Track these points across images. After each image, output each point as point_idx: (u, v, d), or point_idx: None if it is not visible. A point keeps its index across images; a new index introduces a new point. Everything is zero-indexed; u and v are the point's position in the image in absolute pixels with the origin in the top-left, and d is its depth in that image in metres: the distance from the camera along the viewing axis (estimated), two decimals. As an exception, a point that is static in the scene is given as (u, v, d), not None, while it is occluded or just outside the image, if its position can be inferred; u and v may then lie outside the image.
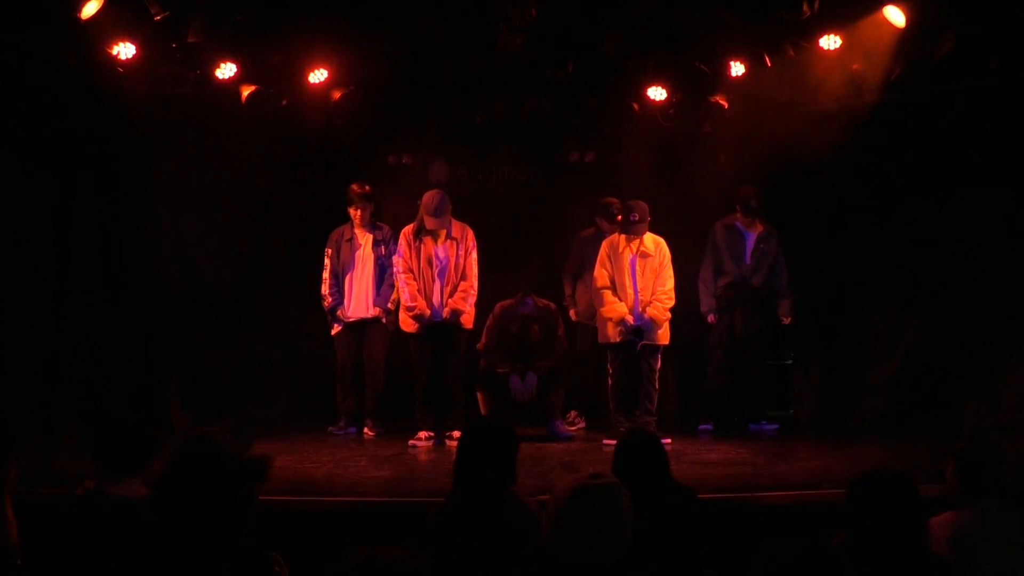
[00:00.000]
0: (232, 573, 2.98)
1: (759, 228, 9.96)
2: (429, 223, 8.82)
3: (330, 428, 9.54)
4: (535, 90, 9.75)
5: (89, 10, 7.81)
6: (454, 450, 4.62)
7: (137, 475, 4.48)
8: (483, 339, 9.24)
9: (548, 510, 3.30)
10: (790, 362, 10.82)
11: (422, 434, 8.88)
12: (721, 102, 9.45)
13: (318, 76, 8.91)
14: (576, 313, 9.98)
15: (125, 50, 8.27)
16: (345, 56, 8.81)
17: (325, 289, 9.57)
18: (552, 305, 9.34)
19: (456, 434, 8.51)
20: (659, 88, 9.35)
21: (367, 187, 9.56)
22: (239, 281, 10.68)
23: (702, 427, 9.81)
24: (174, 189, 10.29)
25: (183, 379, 10.25)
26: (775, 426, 9.87)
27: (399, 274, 8.97)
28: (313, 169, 10.72)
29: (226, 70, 8.75)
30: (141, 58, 8.40)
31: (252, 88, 8.98)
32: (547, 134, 10.65)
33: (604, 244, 9.16)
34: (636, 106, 9.78)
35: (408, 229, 8.99)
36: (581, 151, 10.85)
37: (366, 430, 9.50)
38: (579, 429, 9.79)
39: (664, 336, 9.06)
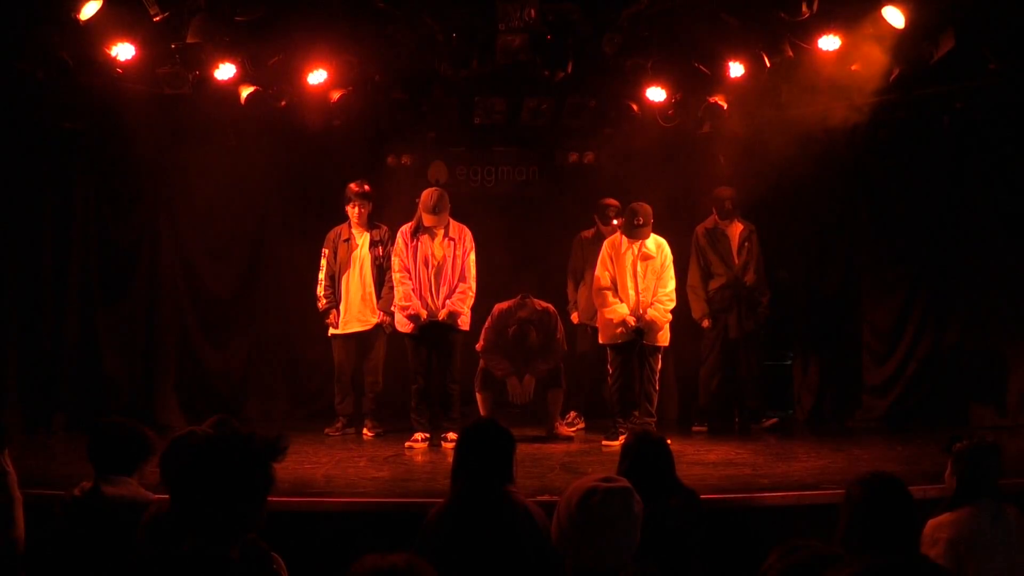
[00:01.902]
0: (235, 568, 2.99)
1: (739, 227, 9.95)
2: (427, 220, 8.81)
3: (327, 430, 9.51)
4: (534, 91, 9.74)
5: (88, 11, 7.81)
6: (451, 451, 4.62)
7: (133, 475, 4.49)
8: (481, 340, 9.23)
9: (558, 511, 3.29)
10: (790, 362, 10.82)
11: (418, 435, 8.87)
12: (720, 102, 9.44)
13: (317, 77, 8.90)
14: (577, 315, 9.96)
15: (124, 51, 8.26)
16: (344, 57, 8.80)
17: (320, 291, 9.53)
18: (551, 307, 9.30)
19: (452, 436, 8.50)
20: (658, 89, 9.35)
21: (366, 186, 9.53)
22: (238, 282, 10.69)
23: (696, 428, 9.82)
24: (173, 189, 10.31)
25: (182, 380, 10.27)
26: (776, 426, 9.84)
27: (395, 272, 8.95)
28: (312, 170, 10.72)
29: (225, 71, 8.73)
30: (140, 59, 8.39)
31: (251, 89, 8.97)
32: (546, 135, 10.65)
33: (606, 244, 9.16)
34: (635, 107, 9.77)
35: (406, 227, 8.97)
36: (580, 152, 10.84)
37: (365, 431, 9.48)
38: (578, 430, 9.77)
39: (664, 337, 9.05)
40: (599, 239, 9.58)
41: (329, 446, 8.89)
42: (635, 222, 8.88)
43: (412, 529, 4.39)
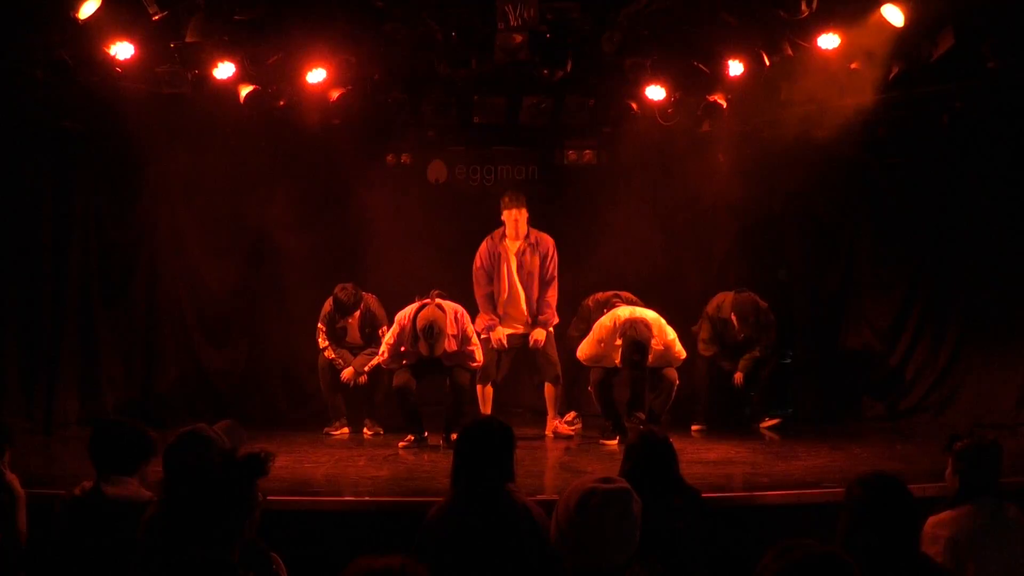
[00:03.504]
0: (236, 570, 3.00)
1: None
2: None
3: (326, 429, 9.53)
4: (533, 90, 9.73)
5: (87, 11, 7.80)
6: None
7: (134, 475, 4.48)
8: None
9: (557, 512, 3.29)
10: (789, 361, 10.80)
11: (410, 436, 8.84)
12: (720, 101, 9.44)
13: (316, 76, 8.90)
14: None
15: (123, 50, 8.25)
16: (343, 56, 8.80)
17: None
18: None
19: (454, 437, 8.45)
20: (658, 87, 9.34)
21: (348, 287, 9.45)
22: (237, 281, 10.69)
23: (695, 427, 9.80)
24: (172, 189, 10.31)
25: (181, 379, 10.28)
26: (777, 420, 9.81)
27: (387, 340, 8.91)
28: (312, 169, 10.71)
29: (224, 70, 8.73)
30: (139, 58, 8.39)
31: (250, 88, 8.97)
32: (545, 134, 10.64)
33: (600, 327, 8.85)
34: (635, 105, 9.78)
35: (407, 324, 8.67)
36: (579, 151, 10.83)
37: (365, 430, 9.49)
38: (577, 429, 9.75)
39: (677, 359, 8.97)
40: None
41: (329, 445, 8.90)
42: (634, 358, 8.58)
43: (412, 528, 4.39)
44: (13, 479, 5.24)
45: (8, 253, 9.40)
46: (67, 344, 9.67)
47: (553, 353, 9.38)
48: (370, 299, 9.53)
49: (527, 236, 9.38)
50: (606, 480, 3.29)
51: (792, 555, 2.70)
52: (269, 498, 3.24)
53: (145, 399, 10.00)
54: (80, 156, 9.77)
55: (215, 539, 2.94)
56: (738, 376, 9.69)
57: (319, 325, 9.54)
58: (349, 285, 9.38)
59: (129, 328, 10.14)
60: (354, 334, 9.55)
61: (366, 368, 9.41)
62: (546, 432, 9.41)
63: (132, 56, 8.32)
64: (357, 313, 9.46)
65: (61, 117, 9.35)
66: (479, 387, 9.21)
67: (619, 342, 8.59)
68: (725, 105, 9.48)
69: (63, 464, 7.80)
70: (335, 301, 9.37)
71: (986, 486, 4.45)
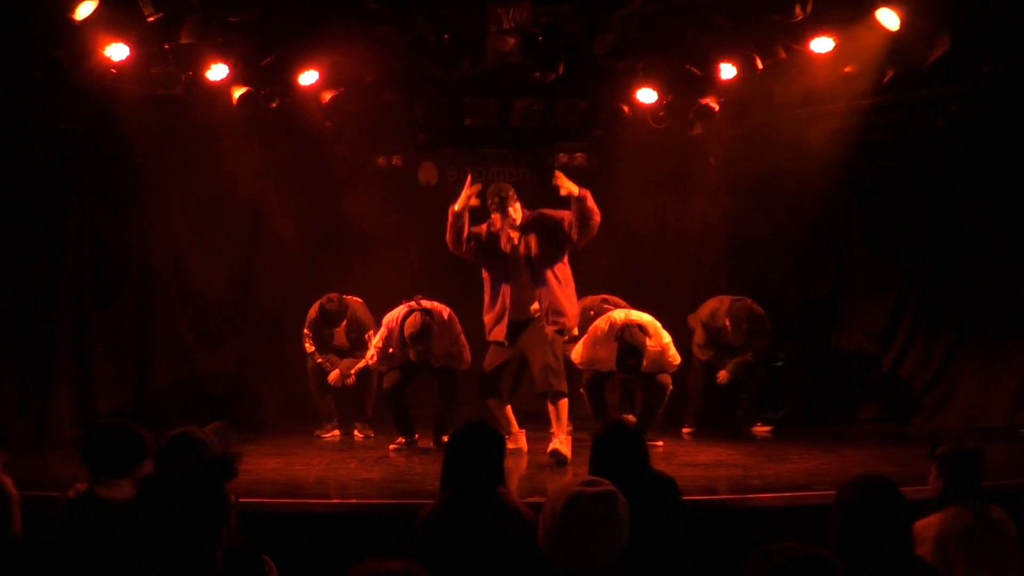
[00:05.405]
0: (222, 573, 3.01)
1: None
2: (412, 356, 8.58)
3: (317, 432, 9.53)
4: (525, 92, 9.74)
5: (83, 12, 7.81)
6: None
7: (127, 477, 4.49)
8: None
9: (543, 516, 3.30)
10: (780, 363, 10.81)
11: (401, 439, 8.83)
12: (711, 104, 9.46)
13: (309, 78, 8.91)
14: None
15: (118, 51, 8.27)
16: (336, 58, 8.81)
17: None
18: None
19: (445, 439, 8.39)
20: (649, 90, 9.36)
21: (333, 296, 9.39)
22: (231, 282, 10.69)
23: (686, 430, 9.80)
24: (167, 190, 10.31)
25: (174, 381, 10.27)
26: (769, 428, 9.83)
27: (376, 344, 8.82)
28: (304, 170, 10.71)
29: (217, 71, 8.73)
30: (134, 59, 8.40)
31: (243, 89, 8.98)
32: (537, 136, 10.64)
33: (598, 329, 8.61)
34: (626, 108, 9.80)
35: (395, 327, 8.60)
36: (571, 153, 10.83)
37: (356, 432, 9.49)
38: (569, 432, 9.72)
39: (671, 365, 8.81)
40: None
41: (320, 448, 8.90)
42: (628, 362, 8.42)
43: (403, 531, 4.40)
44: (7, 481, 5.25)
45: (1, 254, 9.39)
46: (61, 346, 9.66)
47: (556, 362, 8.19)
48: (356, 304, 9.51)
49: (524, 219, 8.39)
50: (590, 483, 3.30)
51: (775, 559, 2.71)
52: (262, 501, 3.25)
53: (138, 401, 9.99)
54: (75, 157, 9.77)
55: (189, 543, 2.95)
56: (722, 374, 9.66)
57: (305, 331, 9.53)
58: (335, 296, 9.33)
59: (123, 330, 10.13)
60: (341, 339, 9.54)
61: (352, 371, 9.41)
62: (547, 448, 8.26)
63: (127, 57, 8.34)
64: (343, 321, 9.47)
65: (56, 118, 9.35)
66: (503, 406, 8.72)
67: (614, 345, 8.57)
68: (717, 108, 9.50)
69: (57, 466, 7.78)
70: (322, 312, 9.35)
71: (969, 490, 4.49)
